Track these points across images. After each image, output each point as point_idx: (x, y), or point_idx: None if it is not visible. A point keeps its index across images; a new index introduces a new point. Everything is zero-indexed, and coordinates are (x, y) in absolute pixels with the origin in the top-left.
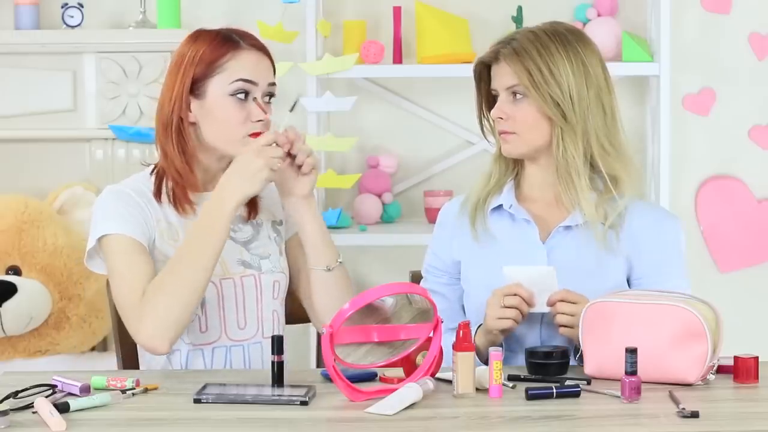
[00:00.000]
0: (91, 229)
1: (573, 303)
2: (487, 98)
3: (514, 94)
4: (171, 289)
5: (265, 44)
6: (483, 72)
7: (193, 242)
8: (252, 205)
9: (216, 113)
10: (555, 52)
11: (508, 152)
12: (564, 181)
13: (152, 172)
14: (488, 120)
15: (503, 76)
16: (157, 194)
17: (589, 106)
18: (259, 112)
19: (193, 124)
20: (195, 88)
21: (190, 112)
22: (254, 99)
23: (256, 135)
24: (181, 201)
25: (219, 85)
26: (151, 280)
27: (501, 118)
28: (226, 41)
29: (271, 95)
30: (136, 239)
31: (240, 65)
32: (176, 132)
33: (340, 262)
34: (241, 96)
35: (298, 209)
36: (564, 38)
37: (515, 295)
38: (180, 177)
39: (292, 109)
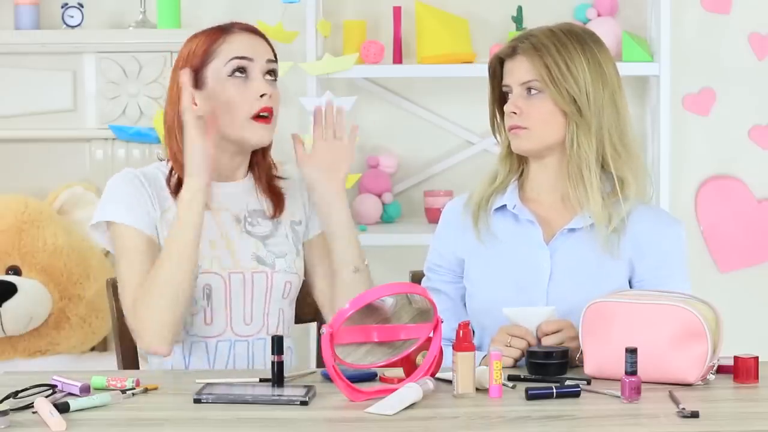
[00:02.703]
0: (100, 205)
1: (556, 332)
2: (499, 96)
3: (529, 89)
4: (157, 291)
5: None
6: (497, 68)
7: (169, 242)
8: (277, 201)
9: (218, 97)
10: (572, 50)
11: (518, 147)
12: (574, 179)
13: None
14: (499, 117)
15: (520, 71)
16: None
17: (603, 105)
18: (260, 86)
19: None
20: (196, 81)
21: (196, 105)
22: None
23: (261, 119)
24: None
25: (216, 70)
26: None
27: (514, 113)
28: (217, 30)
29: (272, 72)
30: (140, 231)
31: (233, 46)
32: (179, 130)
33: (366, 264)
34: (240, 74)
35: (328, 201)
36: (580, 38)
37: (522, 338)
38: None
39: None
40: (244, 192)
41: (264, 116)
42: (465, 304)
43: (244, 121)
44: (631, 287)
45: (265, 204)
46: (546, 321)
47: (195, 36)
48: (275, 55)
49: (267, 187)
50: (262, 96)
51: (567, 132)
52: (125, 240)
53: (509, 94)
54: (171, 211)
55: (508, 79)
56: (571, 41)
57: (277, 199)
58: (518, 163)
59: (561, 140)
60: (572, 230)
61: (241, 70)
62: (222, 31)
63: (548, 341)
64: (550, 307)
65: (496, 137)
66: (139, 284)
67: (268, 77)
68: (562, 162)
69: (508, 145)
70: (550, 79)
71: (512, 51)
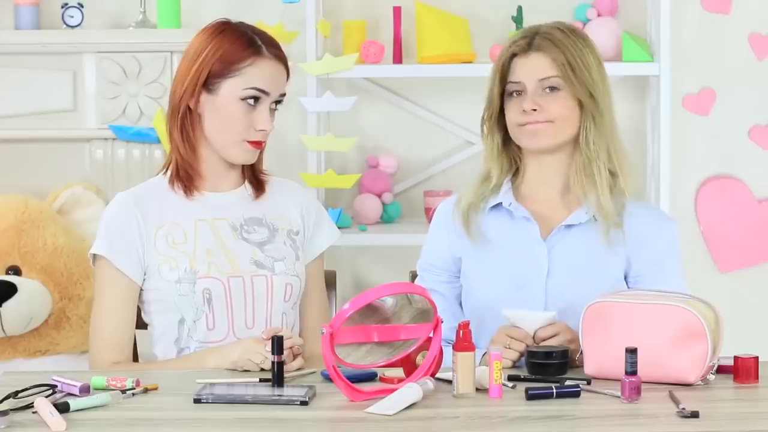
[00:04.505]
0: (96, 236)
1: (552, 336)
2: (500, 93)
3: (550, 86)
4: (122, 368)
5: (284, 51)
6: (506, 65)
7: (158, 364)
8: (257, 183)
9: (223, 112)
10: (581, 45)
11: (537, 145)
12: (581, 173)
13: (165, 169)
14: (496, 116)
15: (539, 68)
16: (171, 183)
17: (609, 99)
18: (264, 121)
19: (200, 115)
20: (209, 83)
21: (198, 103)
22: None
23: (255, 143)
24: (189, 186)
25: (233, 87)
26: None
27: (534, 110)
28: (249, 45)
29: (278, 102)
30: (122, 273)
31: (257, 73)
32: (182, 119)
33: None
34: (251, 102)
35: None
36: (579, 33)
37: (521, 341)
38: (183, 161)
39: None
40: (240, 201)
41: (257, 141)
42: (460, 304)
43: (238, 141)
44: (627, 284)
45: (247, 187)
46: (540, 328)
47: (223, 32)
48: (288, 76)
49: (251, 174)
50: (261, 130)
51: (581, 127)
52: (105, 279)
53: (518, 92)
54: (168, 224)
55: (521, 75)
56: (577, 36)
57: (258, 183)
58: (509, 161)
59: (575, 136)
60: (569, 226)
61: (255, 98)
62: (254, 50)
63: (546, 343)
64: (551, 313)
65: (486, 136)
66: (115, 332)
67: (273, 106)
68: (569, 158)
69: (501, 143)
70: (573, 75)
71: (527, 46)
